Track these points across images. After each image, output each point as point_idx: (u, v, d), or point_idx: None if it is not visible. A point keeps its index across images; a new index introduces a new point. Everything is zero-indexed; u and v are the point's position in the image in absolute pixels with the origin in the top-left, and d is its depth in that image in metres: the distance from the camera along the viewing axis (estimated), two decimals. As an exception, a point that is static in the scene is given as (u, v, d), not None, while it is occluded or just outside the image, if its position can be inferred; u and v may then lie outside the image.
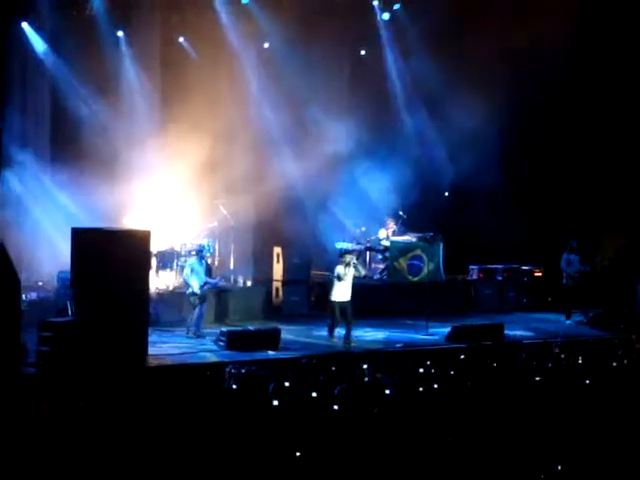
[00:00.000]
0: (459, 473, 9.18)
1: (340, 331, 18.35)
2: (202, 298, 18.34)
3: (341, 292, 18.26)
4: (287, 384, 12.06)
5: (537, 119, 23.54)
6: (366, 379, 12.74)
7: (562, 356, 15.38)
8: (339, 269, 18.27)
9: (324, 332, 18.97)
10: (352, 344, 18.07)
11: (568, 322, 21.55)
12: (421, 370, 13.85)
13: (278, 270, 21.50)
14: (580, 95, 23.77)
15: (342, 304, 18.20)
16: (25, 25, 20.71)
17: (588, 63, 23.38)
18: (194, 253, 19.09)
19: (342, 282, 18.22)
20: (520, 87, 22.57)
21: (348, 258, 18.49)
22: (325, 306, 20.59)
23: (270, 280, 21.55)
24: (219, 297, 20.02)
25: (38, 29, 20.88)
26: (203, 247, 19.52)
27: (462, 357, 15.61)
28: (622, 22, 23.19)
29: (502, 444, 9.92)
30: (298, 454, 9.37)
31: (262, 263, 21.91)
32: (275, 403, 11.11)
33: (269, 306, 21.19)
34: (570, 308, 21.71)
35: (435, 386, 12.40)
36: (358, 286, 19.05)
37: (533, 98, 22.81)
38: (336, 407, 10.99)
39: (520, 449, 9.79)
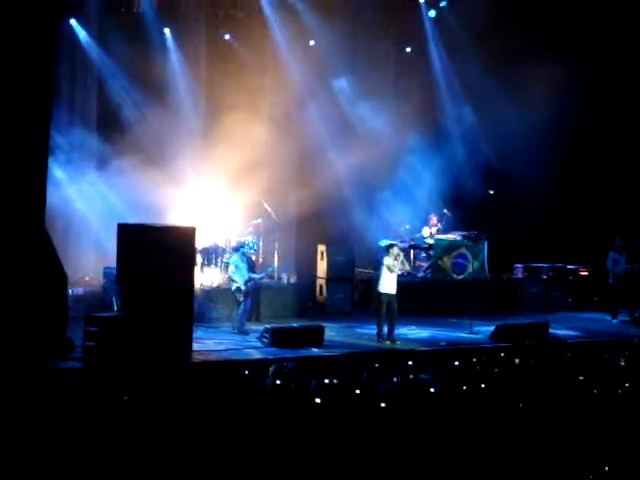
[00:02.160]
0: (506, 471, 9.14)
1: (384, 328, 18.30)
2: (246, 294, 18.38)
3: (390, 284, 18.20)
4: (327, 381, 12.05)
5: (584, 118, 23.35)
6: (411, 376, 12.69)
7: (606, 355, 15.25)
8: (388, 260, 18.20)
9: (368, 329, 18.96)
10: (397, 342, 18.04)
11: (614, 322, 21.39)
12: (462, 367, 13.80)
13: (322, 267, 21.51)
14: (631, 95, 23.59)
15: (390, 297, 18.17)
16: (73, 22, 20.90)
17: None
18: (235, 250, 19.12)
19: (391, 274, 18.19)
20: (568, 88, 22.38)
21: (396, 250, 18.43)
22: (369, 303, 20.67)
23: (314, 277, 21.58)
24: (263, 294, 20.04)
25: (86, 26, 21.06)
26: (243, 243, 19.57)
27: (502, 355, 15.50)
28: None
29: (548, 444, 9.86)
30: (340, 449, 9.36)
31: (306, 260, 21.95)
32: (317, 401, 11.11)
33: (313, 303, 21.21)
34: (616, 307, 21.55)
35: (482, 386, 12.32)
36: (403, 284, 19.05)
37: (580, 99, 22.62)
38: (383, 404, 10.97)
39: (567, 449, 9.72)
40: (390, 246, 18.70)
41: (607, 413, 11.14)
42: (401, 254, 18.59)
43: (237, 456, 9.38)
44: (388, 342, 18.04)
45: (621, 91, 23.61)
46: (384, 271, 18.25)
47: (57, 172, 19.79)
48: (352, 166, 22.85)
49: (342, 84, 23.41)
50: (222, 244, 20.61)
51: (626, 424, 10.72)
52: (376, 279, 18.77)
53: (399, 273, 18.54)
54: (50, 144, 15.98)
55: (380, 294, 18.28)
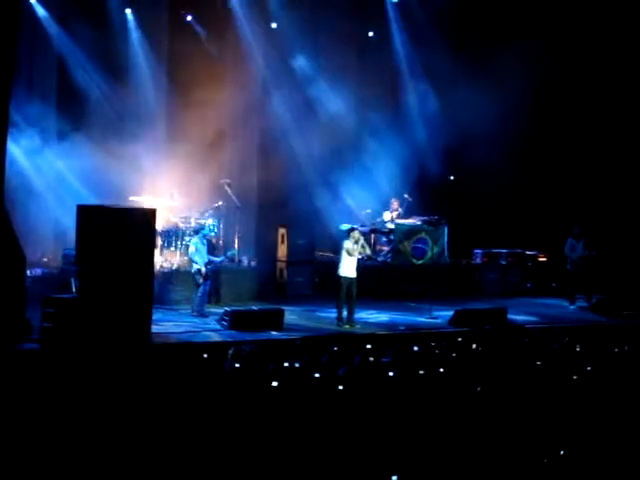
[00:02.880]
0: (460, 456, 9.20)
1: (344, 312, 18.33)
2: (206, 277, 18.34)
3: (349, 268, 18.24)
4: (287, 364, 12.06)
5: (543, 104, 23.49)
6: (371, 359, 12.75)
7: (565, 340, 15.40)
8: (348, 244, 18.25)
9: (328, 313, 19.02)
10: (356, 325, 18.10)
11: (572, 307, 21.60)
12: (421, 352, 13.89)
13: (283, 251, 21.52)
14: (588, 80, 23.74)
15: (350, 280, 18.21)
16: (33, 1, 20.65)
17: (599, 48, 23.39)
18: (195, 232, 19.08)
19: (351, 257, 18.22)
20: (528, 72, 22.50)
21: (357, 234, 18.47)
22: (329, 287, 20.71)
23: (275, 261, 21.58)
24: (223, 277, 20.02)
25: (46, 5, 20.81)
26: (204, 226, 19.52)
27: (459, 339, 15.60)
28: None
29: (504, 428, 9.94)
30: (301, 434, 9.39)
31: (267, 243, 21.94)
32: (274, 384, 11.11)
33: (273, 287, 21.21)
34: (574, 293, 21.76)
35: (440, 370, 12.41)
36: (363, 268, 19.09)
37: (541, 85, 22.74)
38: (340, 387, 11.01)
39: (522, 433, 9.81)
40: (351, 230, 18.71)
41: (563, 398, 11.26)
42: (361, 238, 18.61)
43: (196, 437, 9.38)
44: (347, 326, 18.09)
45: (583, 77, 23.75)
46: (344, 255, 18.28)
47: (15, 150, 19.55)
48: (314, 149, 22.90)
49: (304, 67, 23.35)
50: (182, 226, 20.51)
51: (582, 409, 10.84)
52: (337, 263, 18.79)
53: (359, 257, 18.57)
54: (8, 121, 15.77)
55: (340, 278, 18.31)
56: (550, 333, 16.49)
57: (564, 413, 10.67)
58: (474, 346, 14.67)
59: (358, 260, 18.45)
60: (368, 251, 19.54)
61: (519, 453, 9.30)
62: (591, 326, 18.80)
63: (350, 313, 18.25)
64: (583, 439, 9.76)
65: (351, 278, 18.24)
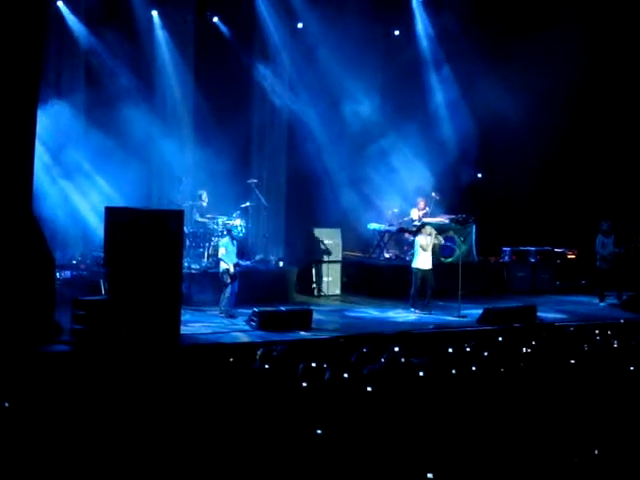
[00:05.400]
0: (491, 455, 9.15)
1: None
2: (234, 277, 18.35)
3: (424, 260, 19.39)
4: (314, 365, 12.03)
5: (571, 102, 23.35)
6: (402, 360, 12.71)
7: (597, 338, 15.30)
8: (421, 239, 19.41)
9: (356, 313, 19.07)
10: (432, 312, 19.19)
11: (602, 305, 21.47)
12: (452, 351, 13.83)
13: (311, 251, 21.50)
14: (619, 73, 23.58)
15: (425, 272, 19.37)
16: (61, 4, 20.73)
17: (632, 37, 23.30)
18: (225, 233, 19.13)
19: (425, 252, 19.35)
20: (558, 70, 22.35)
21: (429, 229, 19.61)
22: (357, 286, 20.81)
23: (302, 260, 21.57)
24: (251, 277, 20.04)
25: (73, 9, 20.89)
26: (232, 227, 19.56)
27: (490, 338, 15.54)
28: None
29: (535, 427, 9.88)
30: (319, 432, 9.34)
31: (294, 243, 21.95)
32: (304, 384, 11.09)
33: (302, 287, 21.20)
34: (604, 291, 21.62)
35: (473, 368, 12.34)
36: (391, 267, 19.07)
37: (569, 82, 22.58)
38: (369, 388, 10.97)
39: (553, 432, 9.75)
40: (422, 226, 19.94)
41: (595, 396, 11.18)
42: (433, 231, 19.66)
43: (225, 438, 9.39)
44: (425, 313, 19.16)
45: (614, 72, 23.59)
46: (419, 250, 19.32)
47: (44, 154, 19.63)
48: (341, 148, 22.88)
49: (330, 67, 23.32)
50: (211, 227, 20.56)
51: (614, 408, 10.76)
52: (413, 253, 19.60)
53: (439, 242, 19.91)
54: (37, 125, 15.83)
55: (413, 269, 19.39)
56: (581, 331, 16.39)
57: (597, 411, 10.59)
58: (504, 343, 14.61)
59: (389, 258, 18.74)
60: (442, 240, 20.46)
61: (551, 452, 9.24)
62: (622, 323, 18.65)
63: (427, 301, 19.46)
64: (617, 438, 9.69)
65: (425, 270, 19.37)
